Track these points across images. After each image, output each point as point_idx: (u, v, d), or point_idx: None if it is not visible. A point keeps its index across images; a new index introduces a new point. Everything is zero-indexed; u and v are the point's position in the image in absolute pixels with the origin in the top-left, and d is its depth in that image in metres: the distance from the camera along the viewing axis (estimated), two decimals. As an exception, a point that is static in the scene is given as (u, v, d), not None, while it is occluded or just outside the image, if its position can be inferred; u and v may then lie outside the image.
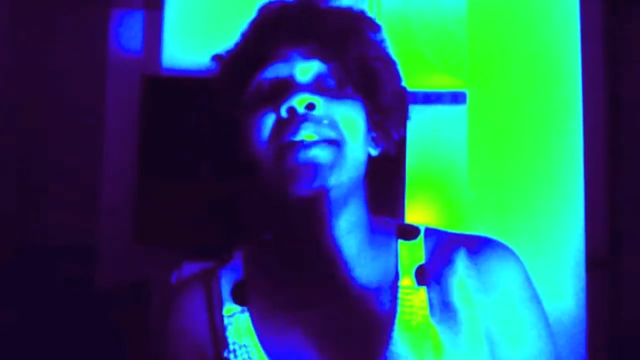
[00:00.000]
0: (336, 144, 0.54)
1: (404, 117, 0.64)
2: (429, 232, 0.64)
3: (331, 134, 0.54)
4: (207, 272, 0.67)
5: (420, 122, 1.62)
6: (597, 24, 1.88)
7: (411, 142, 1.48)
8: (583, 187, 1.49)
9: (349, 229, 0.58)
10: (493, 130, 1.59)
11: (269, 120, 0.55)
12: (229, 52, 0.65)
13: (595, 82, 1.82)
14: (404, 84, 0.64)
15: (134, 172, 1.54)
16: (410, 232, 0.64)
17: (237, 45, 0.63)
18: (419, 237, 0.63)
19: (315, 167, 0.52)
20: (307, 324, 0.58)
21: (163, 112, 1.53)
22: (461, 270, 0.58)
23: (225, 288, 0.64)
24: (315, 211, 0.54)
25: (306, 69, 0.56)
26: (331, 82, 0.57)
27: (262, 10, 0.62)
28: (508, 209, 1.52)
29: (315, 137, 0.53)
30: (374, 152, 0.63)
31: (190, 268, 0.74)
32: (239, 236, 0.69)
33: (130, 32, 2.00)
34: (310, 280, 0.60)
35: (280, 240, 0.62)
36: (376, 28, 0.62)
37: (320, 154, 0.53)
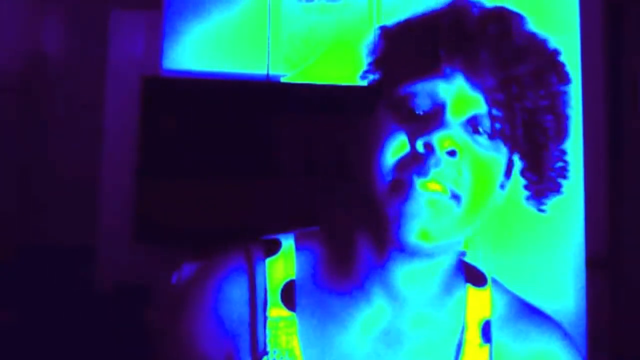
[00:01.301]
0: (458, 199, 0.47)
1: (562, 178, 0.54)
2: (496, 283, 0.59)
3: (458, 188, 0.47)
4: (250, 257, 0.57)
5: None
6: (597, 24, 1.88)
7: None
8: (583, 187, 1.49)
9: (431, 277, 0.53)
10: (493, 131, 1.58)
11: (401, 146, 0.47)
12: (387, 46, 0.54)
13: (595, 82, 1.82)
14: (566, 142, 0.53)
15: (133, 172, 1.54)
16: (478, 278, 0.58)
17: (397, 40, 0.53)
18: (486, 286, 0.58)
19: (428, 221, 0.46)
20: (356, 351, 0.53)
21: (163, 113, 1.53)
22: (518, 342, 0.55)
23: (273, 285, 0.55)
24: (408, 254, 0.49)
25: (465, 102, 0.47)
26: (487, 126, 0.47)
27: (443, 10, 0.51)
28: (508, 209, 1.52)
29: (440, 189, 0.46)
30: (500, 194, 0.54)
31: (190, 268, 0.68)
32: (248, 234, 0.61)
33: (130, 33, 2.00)
34: (366, 308, 0.54)
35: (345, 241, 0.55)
36: (565, 76, 0.51)
37: (439, 209, 0.46)
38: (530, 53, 0.48)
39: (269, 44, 1.54)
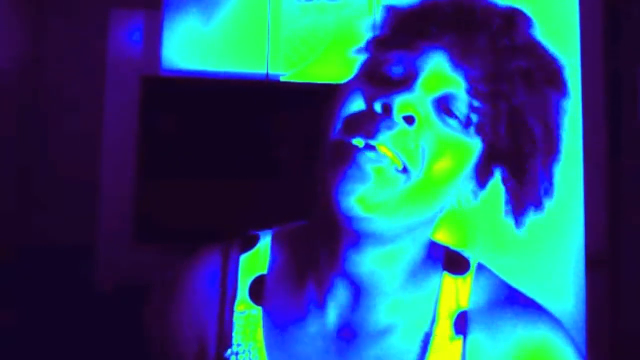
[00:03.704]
0: (409, 174, 0.43)
1: (547, 188, 0.50)
2: (481, 270, 0.54)
3: (411, 163, 0.43)
4: (226, 253, 0.57)
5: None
6: (597, 24, 1.88)
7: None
8: (583, 187, 1.49)
9: (394, 261, 0.49)
10: (493, 130, 1.58)
11: (356, 104, 0.44)
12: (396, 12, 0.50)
13: (595, 82, 1.82)
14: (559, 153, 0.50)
15: (133, 172, 1.54)
16: (459, 264, 0.54)
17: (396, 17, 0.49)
18: (467, 273, 0.53)
19: (367, 186, 0.42)
20: (318, 347, 0.51)
21: (162, 113, 1.53)
22: (505, 335, 0.50)
23: (244, 280, 0.55)
24: (354, 235, 0.46)
25: (441, 78, 0.44)
26: (461, 111, 0.44)
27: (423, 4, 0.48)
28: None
29: (390, 156, 0.42)
30: (475, 190, 0.51)
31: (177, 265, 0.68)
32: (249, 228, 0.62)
33: (129, 33, 2.00)
34: (329, 301, 0.51)
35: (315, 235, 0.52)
36: (563, 89, 0.47)
37: (383, 179, 0.42)
38: (529, 54, 0.45)
39: (268, 43, 1.54)
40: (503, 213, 0.54)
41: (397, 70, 0.45)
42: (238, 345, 0.52)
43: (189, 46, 1.55)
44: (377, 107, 0.43)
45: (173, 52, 1.56)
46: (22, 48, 2.51)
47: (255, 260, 0.56)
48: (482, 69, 0.43)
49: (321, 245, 0.50)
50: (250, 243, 0.57)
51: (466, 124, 0.44)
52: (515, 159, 0.47)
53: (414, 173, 0.43)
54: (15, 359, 1.73)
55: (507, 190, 0.50)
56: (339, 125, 0.44)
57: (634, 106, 1.84)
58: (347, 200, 0.42)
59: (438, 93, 0.44)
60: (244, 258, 0.56)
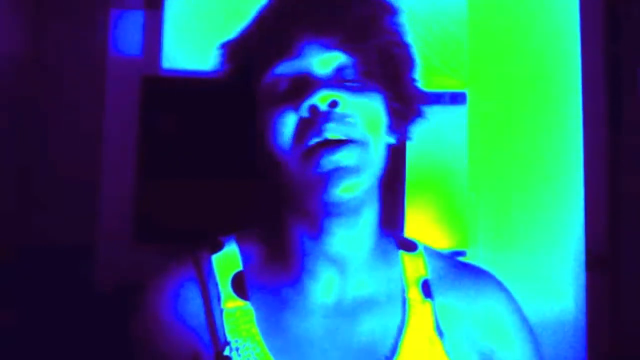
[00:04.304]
0: (360, 143, 0.51)
1: (421, 103, 0.62)
2: (427, 250, 0.64)
3: (355, 133, 0.51)
4: (196, 257, 0.60)
5: (420, 122, 1.61)
6: (597, 24, 1.88)
7: (411, 143, 1.48)
8: (583, 187, 1.49)
9: (365, 234, 0.56)
10: (493, 131, 1.59)
11: (290, 121, 0.51)
12: (238, 41, 0.60)
13: (595, 81, 1.82)
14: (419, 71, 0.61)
15: (134, 172, 1.54)
16: (409, 246, 0.64)
17: (248, 34, 0.59)
18: (418, 251, 0.63)
19: (343, 173, 0.49)
20: (313, 328, 0.55)
21: (163, 112, 1.53)
22: (458, 296, 0.59)
23: (223, 279, 0.57)
24: (336, 217, 0.52)
25: (326, 62, 0.52)
26: (353, 74, 0.53)
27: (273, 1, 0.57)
28: (508, 209, 1.52)
29: (340, 136, 0.50)
30: (392, 141, 0.60)
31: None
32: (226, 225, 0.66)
33: (129, 33, 2.00)
34: (313, 285, 0.56)
35: (282, 240, 0.58)
36: (395, 12, 0.58)
37: (347, 158, 0.50)
38: (362, 6, 0.54)
39: (268, 43, 1.54)
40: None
41: (291, 81, 0.52)
42: (236, 341, 0.53)
43: (189, 46, 1.54)
44: (305, 113, 0.50)
45: (173, 52, 1.56)
46: (22, 48, 2.51)
47: (228, 260, 0.59)
48: (342, 33, 0.52)
49: (299, 241, 0.56)
50: (217, 246, 0.61)
51: (361, 79, 0.53)
52: (392, 83, 0.56)
53: (362, 140, 0.51)
54: (15, 359, 1.73)
55: (392, 112, 0.58)
56: (289, 143, 0.51)
57: (635, 106, 1.84)
58: (333, 195, 0.49)
59: (331, 71, 0.52)
60: (216, 258, 0.59)
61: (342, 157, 0.49)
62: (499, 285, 0.62)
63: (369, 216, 0.56)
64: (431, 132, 1.65)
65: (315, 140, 0.50)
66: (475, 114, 1.57)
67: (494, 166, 1.56)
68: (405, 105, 0.59)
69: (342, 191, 0.49)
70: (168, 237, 1.53)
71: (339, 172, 0.49)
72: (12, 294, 2.05)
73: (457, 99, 1.64)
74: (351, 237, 0.55)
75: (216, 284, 0.57)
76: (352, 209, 0.52)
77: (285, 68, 0.53)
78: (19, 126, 2.49)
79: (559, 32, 1.57)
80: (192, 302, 0.57)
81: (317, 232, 0.54)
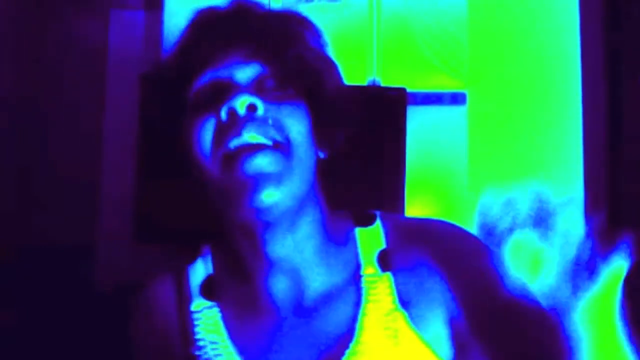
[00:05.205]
0: (283, 148, 0.52)
1: (349, 116, 0.62)
2: (385, 217, 0.63)
3: (277, 136, 0.52)
4: (175, 268, 0.65)
5: (420, 122, 1.61)
6: (597, 24, 1.88)
7: (411, 143, 1.48)
8: (583, 187, 1.49)
9: (306, 235, 0.56)
10: (493, 131, 1.59)
11: (210, 125, 0.53)
12: (165, 61, 0.62)
13: (595, 81, 1.82)
14: (345, 83, 0.64)
15: (134, 172, 1.54)
16: (366, 219, 0.63)
17: (173, 54, 0.60)
18: (375, 223, 0.62)
19: (265, 178, 0.50)
20: (276, 327, 0.57)
21: (163, 113, 1.53)
22: (424, 254, 0.57)
23: (194, 283, 0.62)
24: (267, 224, 0.52)
25: (246, 71, 0.54)
26: (272, 83, 0.55)
27: (196, 17, 0.60)
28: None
29: (261, 139, 0.51)
30: (321, 155, 0.60)
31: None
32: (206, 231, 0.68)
33: (129, 33, 2.00)
34: (270, 287, 0.58)
35: (230, 250, 0.60)
36: (316, 32, 0.61)
37: (269, 162, 0.50)
38: (281, 21, 0.57)
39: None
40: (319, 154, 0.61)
41: (213, 86, 0.54)
42: (202, 340, 0.57)
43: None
44: (223, 116, 0.51)
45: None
46: (22, 48, 2.51)
47: (201, 266, 0.63)
48: (264, 47, 0.54)
49: (239, 243, 0.57)
50: (194, 254, 0.65)
51: (281, 88, 0.54)
52: (313, 92, 0.57)
53: (285, 144, 0.52)
54: (15, 359, 1.73)
55: (317, 124, 0.57)
56: (209, 147, 0.52)
57: (635, 106, 1.84)
58: (257, 201, 0.49)
59: (251, 79, 0.54)
60: (191, 267, 0.63)
61: (263, 162, 0.50)
62: (457, 228, 0.62)
63: (308, 222, 0.56)
64: (431, 132, 1.65)
65: (234, 142, 0.50)
66: (475, 114, 1.57)
67: (494, 166, 1.56)
68: (328, 115, 0.59)
69: (266, 196, 0.49)
70: (168, 237, 1.53)
71: (261, 176, 0.49)
72: (12, 294, 2.05)
73: (457, 99, 1.64)
74: (291, 242, 0.55)
75: (189, 289, 0.61)
76: (283, 217, 0.52)
77: (208, 77, 0.55)
78: (19, 126, 2.49)
79: (559, 33, 1.57)
80: (168, 310, 0.61)
81: (255, 240, 0.55)
